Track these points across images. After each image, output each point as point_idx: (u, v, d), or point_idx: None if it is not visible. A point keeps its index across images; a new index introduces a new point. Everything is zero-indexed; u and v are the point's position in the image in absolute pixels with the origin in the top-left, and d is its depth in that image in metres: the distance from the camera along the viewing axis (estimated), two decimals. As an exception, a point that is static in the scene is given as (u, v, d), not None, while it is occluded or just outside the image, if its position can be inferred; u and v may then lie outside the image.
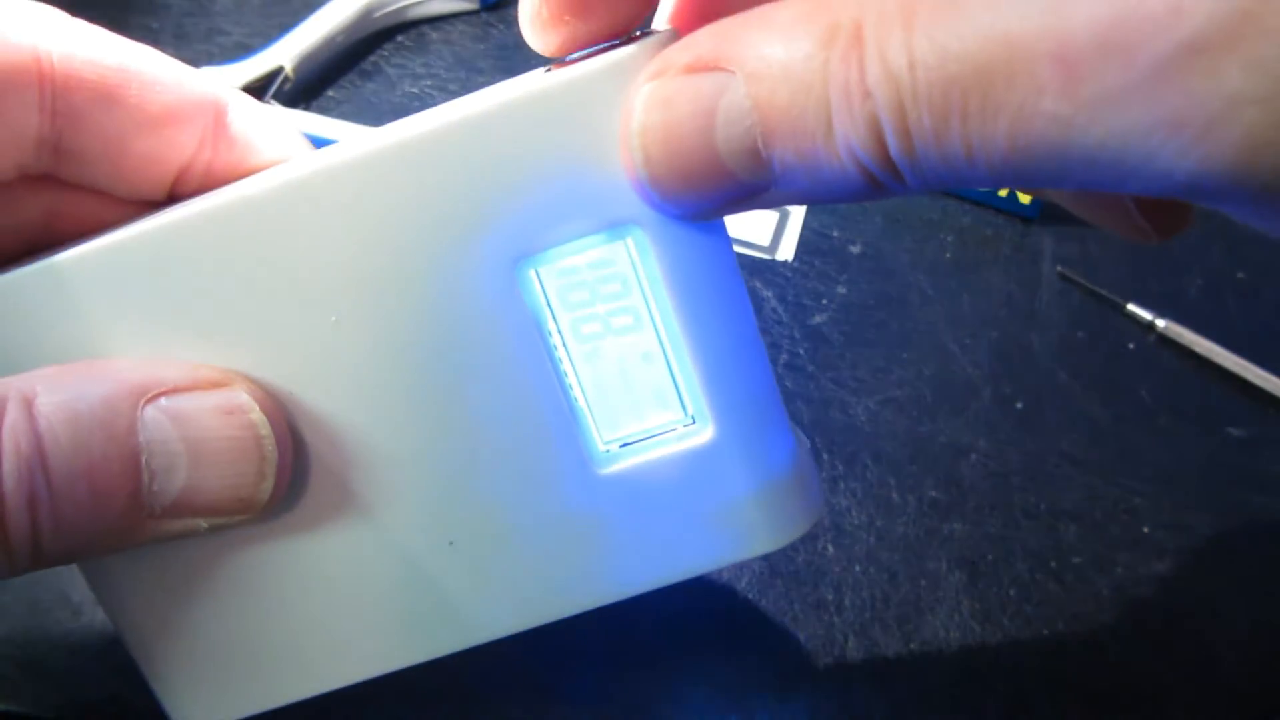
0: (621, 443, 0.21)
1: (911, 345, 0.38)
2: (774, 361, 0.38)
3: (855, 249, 0.40)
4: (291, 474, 0.20)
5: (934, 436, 0.36)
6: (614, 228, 0.19)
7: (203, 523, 0.19)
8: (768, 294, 0.39)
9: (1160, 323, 0.38)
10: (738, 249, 0.40)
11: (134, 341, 0.19)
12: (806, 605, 0.33)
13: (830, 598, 0.33)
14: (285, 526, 0.21)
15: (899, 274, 0.40)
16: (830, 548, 0.34)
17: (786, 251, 0.40)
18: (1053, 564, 0.34)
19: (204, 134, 0.22)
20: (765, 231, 0.41)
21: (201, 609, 0.21)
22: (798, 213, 0.41)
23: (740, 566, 0.33)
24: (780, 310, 0.39)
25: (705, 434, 0.20)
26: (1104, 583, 0.33)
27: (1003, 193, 0.40)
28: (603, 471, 0.21)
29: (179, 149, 0.21)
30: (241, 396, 0.19)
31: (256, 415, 0.19)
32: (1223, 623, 0.33)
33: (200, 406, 0.18)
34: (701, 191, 0.17)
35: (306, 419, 0.20)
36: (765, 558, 0.33)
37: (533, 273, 0.20)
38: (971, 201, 0.42)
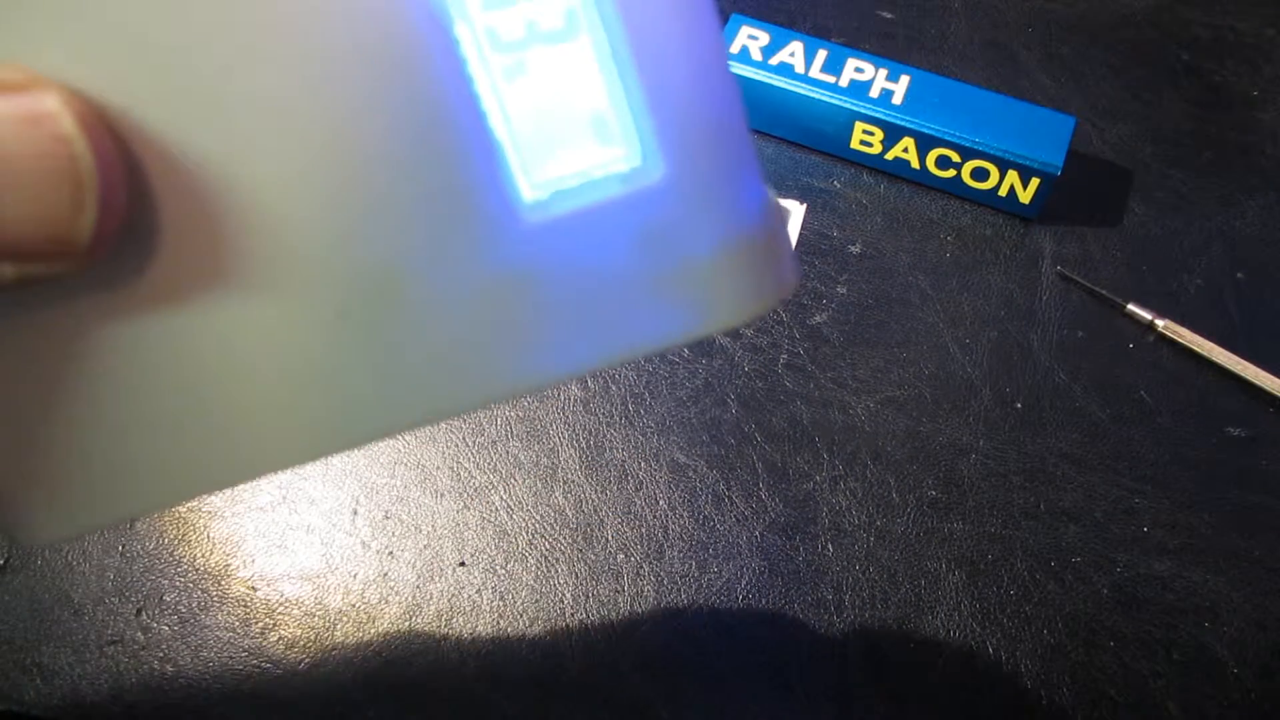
0: (553, 186, 0.17)
1: (911, 345, 0.38)
2: (774, 361, 0.38)
3: (855, 249, 0.40)
4: (127, 213, 0.15)
5: (934, 436, 0.36)
6: None
7: (7, 268, 0.14)
8: (768, 294, 0.39)
9: (1160, 323, 0.38)
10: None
11: None
12: (806, 605, 0.33)
13: (830, 598, 0.33)
14: (130, 296, 0.16)
15: (899, 274, 0.40)
16: (830, 548, 0.34)
17: (786, 251, 0.40)
18: (1053, 564, 0.34)
19: None
20: (765, 231, 0.41)
21: (37, 403, 0.17)
22: (797, 213, 0.41)
23: (739, 566, 0.33)
24: (780, 310, 0.39)
25: (655, 175, 0.16)
26: (1104, 583, 0.33)
27: (1003, 192, 0.40)
28: (529, 221, 0.17)
29: None
30: (50, 102, 0.14)
31: (70, 127, 0.14)
32: (1223, 623, 0.33)
33: None
34: None
35: (150, 147, 0.15)
36: (765, 557, 0.33)
37: None
38: (971, 202, 0.42)
